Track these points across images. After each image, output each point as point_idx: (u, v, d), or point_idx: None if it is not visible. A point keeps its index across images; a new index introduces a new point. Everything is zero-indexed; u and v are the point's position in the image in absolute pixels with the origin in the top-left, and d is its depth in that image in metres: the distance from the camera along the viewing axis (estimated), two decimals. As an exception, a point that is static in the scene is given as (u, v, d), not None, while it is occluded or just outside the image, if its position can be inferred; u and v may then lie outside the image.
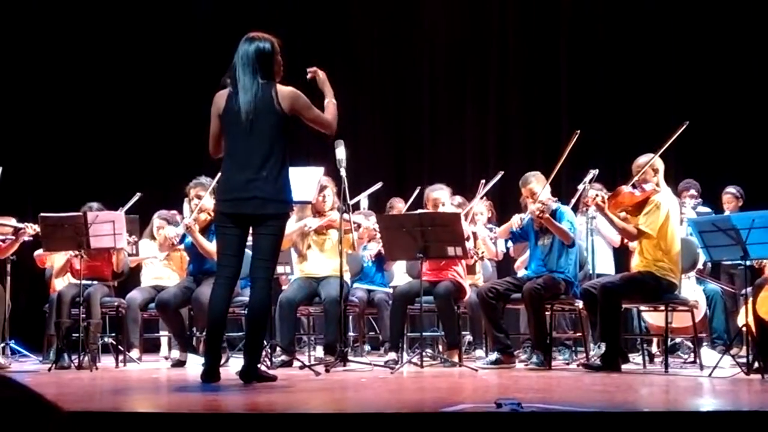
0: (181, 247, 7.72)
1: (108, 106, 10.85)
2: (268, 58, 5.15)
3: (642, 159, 6.58)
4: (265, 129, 5.10)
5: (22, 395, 0.75)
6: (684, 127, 6.46)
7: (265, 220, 5.14)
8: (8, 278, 7.96)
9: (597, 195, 6.49)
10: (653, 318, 7.26)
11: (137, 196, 7.76)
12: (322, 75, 5.52)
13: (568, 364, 7.28)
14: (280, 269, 7.68)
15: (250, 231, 5.27)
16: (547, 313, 6.89)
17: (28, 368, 7.40)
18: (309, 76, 5.52)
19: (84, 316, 7.07)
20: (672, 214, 6.44)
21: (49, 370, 6.83)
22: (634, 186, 6.45)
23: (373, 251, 7.79)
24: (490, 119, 10.87)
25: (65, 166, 10.58)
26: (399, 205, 8.72)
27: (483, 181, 7.92)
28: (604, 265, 7.92)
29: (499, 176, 7.85)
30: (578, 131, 6.97)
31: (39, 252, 8.12)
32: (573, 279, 6.95)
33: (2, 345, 7.42)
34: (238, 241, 5.26)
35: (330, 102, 5.43)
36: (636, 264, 6.64)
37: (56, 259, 8.08)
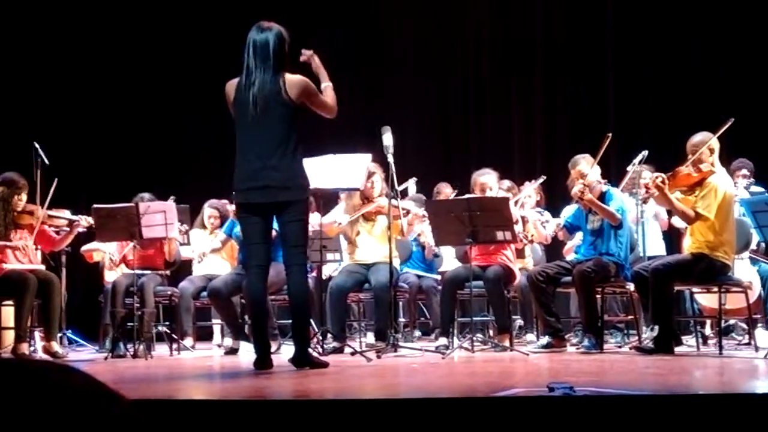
0: (220, 238, 7.83)
1: (156, 97, 10.95)
2: (278, 47, 5.17)
3: (696, 138, 6.46)
4: (274, 118, 5.13)
5: (85, 383, 0.77)
6: (730, 123, 6.30)
7: (283, 208, 5.19)
8: (64, 269, 8.09)
9: (657, 176, 6.36)
10: (706, 300, 7.18)
11: (171, 199, 7.73)
12: (317, 60, 5.47)
13: (620, 347, 7.23)
14: (330, 256, 7.72)
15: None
16: (597, 296, 6.85)
17: (84, 357, 7.53)
18: (302, 58, 5.43)
19: (138, 305, 7.18)
20: (727, 195, 6.35)
21: (106, 359, 6.95)
22: (690, 166, 6.35)
23: (423, 237, 7.82)
24: (536, 103, 10.80)
25: (116, 159, 10.71)
26: (446, 190, 8.72)
27: (527, 182, 7.92)
28: (656, 247, 7.85)
29: (542, 179, 7.89)
30: (609, 135, 6.85)
31: (86, 248, 8.25)
32: (623, 262, 6.88)
33: (60, 335, 7.55)
34: (261, 228, 5.29)
35: (327, 86, 5.40)
36: (688, 245, 6.56)
37: (105, 256, 8.19)
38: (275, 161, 5.12)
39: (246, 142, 5.22)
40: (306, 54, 5.45)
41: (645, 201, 7.17)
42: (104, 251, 8.02)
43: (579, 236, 7.40)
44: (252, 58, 5.16)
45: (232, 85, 5.28)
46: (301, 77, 5.23)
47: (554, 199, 8.58)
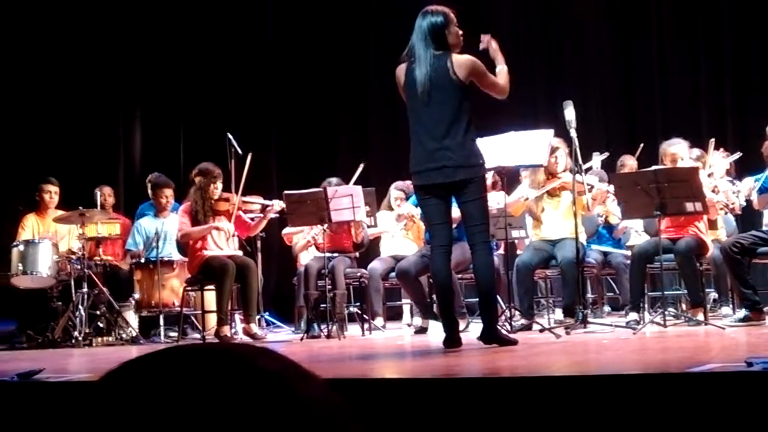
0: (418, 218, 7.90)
1: (340, 85, 11.22)
2: (440, 30, 5.24)
3: None
4: (444, 99, 5.19)
5: (281, 364, 0.82)
6: None
7: (461, 187, 5.23)
8: (259, 254, 8.44)
9: None
10: None
11: (361, 167, 7.97)
12: (494, 44, 5.49)
13: (824, 319, 6.88)
14: (515, 234, 7.70)
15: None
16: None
17: (282, 338, 7.85)
18: (482, 46, 5.50)
19: (330, 287, 7.39)
20: None
21: (301, 339, 7.21)
22: None
23: (610, 216, 7.71)
24: (725, 69, 10.34)
25: (303, 145, 11.07)
26: (630, 162, 8.53)
27: (713, 150, 7.64)
28: None
29: (738, 155, 7.65)
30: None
31: (286, 231, 8.55)
32: (825, 230, 6.54)
33: (258, 317, 7.88)
34: (441, 208, 5.36)
35: (502, 68, 5.42)
36: None
37: (301, 237, 8.47)
38: (449, 141, 5.19)
39: (419, 125, 5.32)
40: (484, 40, 5.50)
41: None
42: (302, 232, 8.28)
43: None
44: (418, 42, 5.26)
45: (401, 70, 5.39)
46: (469, 57, 5.28)
47: (748, 167, 8.23)
